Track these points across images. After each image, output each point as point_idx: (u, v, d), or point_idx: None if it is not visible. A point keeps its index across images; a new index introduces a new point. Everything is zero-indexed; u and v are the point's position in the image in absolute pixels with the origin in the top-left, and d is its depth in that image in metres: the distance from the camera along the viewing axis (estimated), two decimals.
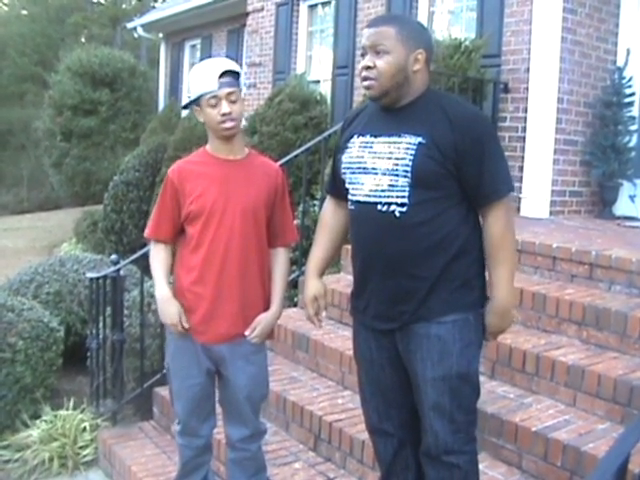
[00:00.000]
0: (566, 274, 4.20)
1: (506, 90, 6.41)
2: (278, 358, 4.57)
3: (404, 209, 2.46)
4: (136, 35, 16.31)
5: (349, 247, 5.23)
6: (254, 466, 3.18)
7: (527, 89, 6.25)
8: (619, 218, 6.18)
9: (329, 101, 8.55)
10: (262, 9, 10.39)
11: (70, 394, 4.99)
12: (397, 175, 2.45)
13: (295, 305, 5.26)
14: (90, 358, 4.78)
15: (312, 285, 2.83)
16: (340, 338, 4.37)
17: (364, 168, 2.55)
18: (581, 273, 4.10)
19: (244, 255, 2.93)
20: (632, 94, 6.27)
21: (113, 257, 4.62)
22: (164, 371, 3.92)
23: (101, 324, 4.63)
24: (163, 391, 4.35)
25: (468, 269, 2.52)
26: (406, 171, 2.43)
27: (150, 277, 3.18)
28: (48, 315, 5.15)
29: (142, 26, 15.08)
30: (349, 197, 2.62)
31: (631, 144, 6.29)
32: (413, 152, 2.42)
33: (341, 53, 8.92)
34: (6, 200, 22.91)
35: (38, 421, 4.56)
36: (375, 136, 2.55)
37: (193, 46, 14.24)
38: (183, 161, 3.06)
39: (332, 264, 2.89)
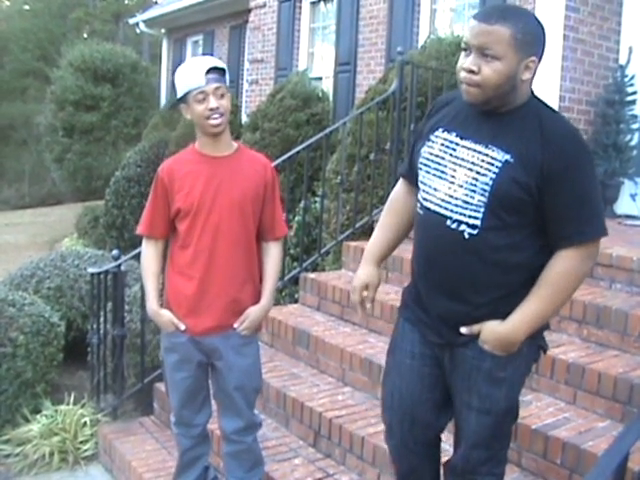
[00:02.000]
0: None
1: None
2: (278, 354, 4.57)
3: (475, 232, 2.21)
4: (138, 31, 16.30)
5: (349, 244, 5.25)
6: (250, 459, 3.20)
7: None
8: (620, 217, 6.17)
9: (331, 98, 8.55)
10: (264, 5, 10.39)
11: (71, 389, 5.00)
12: (474, 191, 2.19)
13: (296, 301, 5.26)
14: (91, 353, 4.78)
15: (366, 272, 2.58)
16: (341, 335, 4.38)
17: (442, 172, 2.29)
18: None
19: (232, 250, 2.97)
20: (634, 92, 6.27)
21: (114, 252, 4.61)
22: None
23: (102, 319, 4.63)
24: (163, 386, 4.35)
25: None
26: (484, 190, 2.17)
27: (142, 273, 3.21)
28: (49, 310, 5.16)
29: (144, 22, 15.07)
30: (419, 197, 2.38)
31: (633, 143, 6.28)
32: (497, 170, 2.16)
33: (343, 50, 8.92)
34: (7, 195, 22.92)
35: (39, 416, 4.56)
36: (462, 137, 2.27)
37: (195, 42, 14.23)
38: (172, 159, 3.11)
39: (390, 253, 2.68)
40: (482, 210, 2.18)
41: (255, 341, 3.17)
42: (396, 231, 2.63)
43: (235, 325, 3.02)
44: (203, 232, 2.94)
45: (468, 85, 2.19)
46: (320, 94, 8.03)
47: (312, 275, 5.12)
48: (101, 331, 4.65)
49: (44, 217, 16.01)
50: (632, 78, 6.27)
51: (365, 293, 2.57)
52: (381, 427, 3.34)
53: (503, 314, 2.24)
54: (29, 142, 24.02)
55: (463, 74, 2.19)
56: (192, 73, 2.89)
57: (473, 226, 2.21)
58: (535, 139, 2.15)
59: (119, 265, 4.50)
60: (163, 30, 15.20)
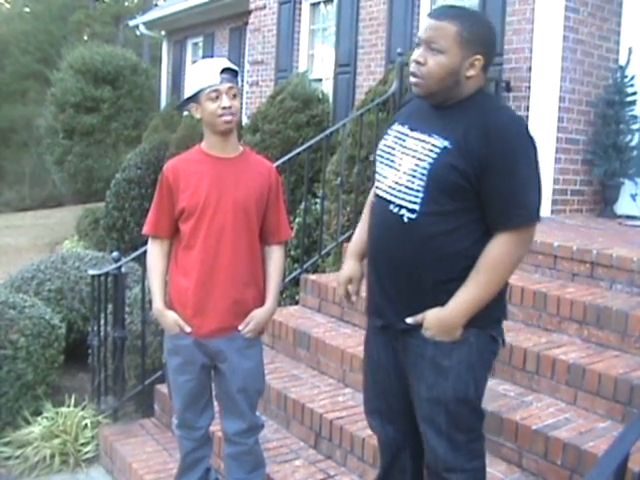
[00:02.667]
0: (567, 273, 4.20)
1: (508, 89, 6.40)
2: (279, 356, 4.57)
3: (413, 216, 2.32)
4: (138, 33, 16.35)
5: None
6: (252, 461, 3.19)
7: (529, 88, 6.24)
8: (620, 217, 6.18)
9: (331, 99, 8.55)
10: (264, 7, 10.38)
11: (71, 391, 5.00)
12: (414, 177, 2.31)
13: (297, 303, 5.26)
14: (91, 355, 4.78)
15: (348, 266, 2.70)
16: (341, 336, 4.38)
17: (391, 161, 2.44)
18: (582, 272, 4.10)
19: (236, 252, 2.97)
20: (634, 93, 6.27)
21: (115, 254, 4.62)
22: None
23: (102, 321, 4.63)
24: (164, 388, 4.35)
25: None
26: (423, 174, 2.28)
27: (147, 274, 3.21)
28: (50, 312, 5.16)
29: (144, 24, 15.08)
30: (375, 185, 2.54)
31: (633, 143, 6.28)
32: (435, 156, 2.27)
33: (343, 51, 8.91)
34: (8, 197, 22.92)
35: (39, 418, 4.56)
36: (411, 129, 2.41)
37: (195, 44, 14.24)
38: (178, 159, 3.10)
39: None
40: (421, 195, 2.29)
41: (259, 343, 3.17)
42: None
43: (240, 327, 3.01)
44: (208, 233, 2.93)
45: (415, 76, 2.37)
46: (320, 95, 8.04)
47: (313, 276, 5.12)
48: (102, 333, 4.65)
49: (45, 219, 16.02)
50: (632, 79, 6.28)
51: (350, 287, 2.70)
52: None
53: (444, 301, 2.32)
54: (29, 144, 24.02)
55: (412, 66, 2.38)
56: (206, 72, 2.91)
57: (412, 210, 2.32)
58: (475, 128, 2.25)
59: (119, 267, 4.51)
60: (163, 32, 15.21)
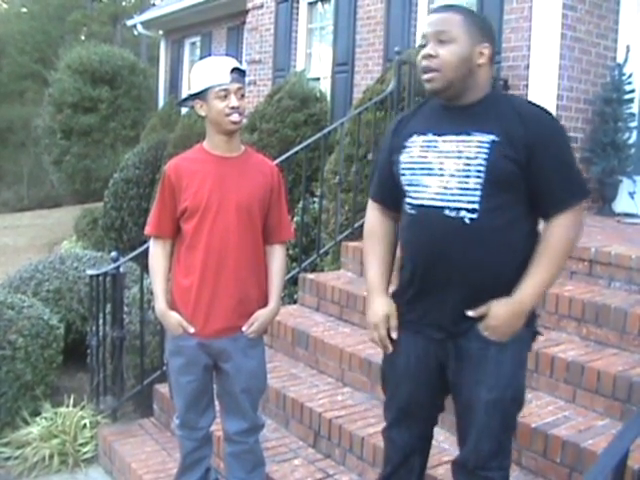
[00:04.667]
0: (566, 270, 4.19)
1: (506, 87, 6.40)
2: (278, 355, 4.57)
3: (474, 215, 2.27)
4: (136, 32, 16.32)
5: (348, 244, 5.25)
6: (252, 460, 3.19)
7: (527, 86, 6.25)
8: (619, 215, 6.18)
9: (329, 98, 8.55)
10: (262, 6, 10.38)
11: (70, 391, 5.00)
12: (468, 176, 2.27)
13: (295, 302, 5.26)
14: (90, 355, 4.78)
15: (381, 303, 2.52)
16: (340, 335, 4.38)
17: (429, 169, 2.35)
18: (581, 270, 4.10)
19: (239, 251, 2.95)
20: (632, 91, 6.27)
21: (113, 254, 4.61)
22: (164, 368, 3.93)
23: (101, 321, 4.62)
24: (163, 388, 4.35)
25: None
26: (479, 171, 2.25)
27: (149, 274, 3.20)
28: (48, 312, 5.16)
29: (142, 23, 15.08)
30: (408, 200, 2.42)
31: (631, 141, 6.28)
32: (487, 151, 2.25)
33: (341, 50, 8.92)
34: (6, 198, 22.92)
35: (38, 418, 4.56)
36: (439, 135, 2.36)
37: (193, 43, 14.24)
38: (180, 157, 3.08)
39: (390, 278, 2.62)
40: (478, 193, 2.27)
41: (261, 343, 3.16)
42: (389, 258, 2.63)
43: (244, 328, 3.01)
44: (211, 232, 2.92)
45: (429, 72, 2.33)
46: (318, 94, 8.03)
47: (311, 275, 5.12)
48: (100, 333, 4.64)
49: (43, 219, 16.01)
50: (630, 76, 6.28)
51: (391, 322, 2.51)
52: (381, 427, 3.35)
53: (504, 295, 2.31)
54: (27, 144, 24.01)
55: (423, 62, 2.34)
56: (216, 70, 2.90)
57: (472, 210, 2.28)
58: (513, 118, 2.28)
59: (118, 267, 4.50)
60: (161, 32, 15.21)
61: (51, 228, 14.20)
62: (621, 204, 6.36)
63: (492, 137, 2.26)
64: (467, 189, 2.28)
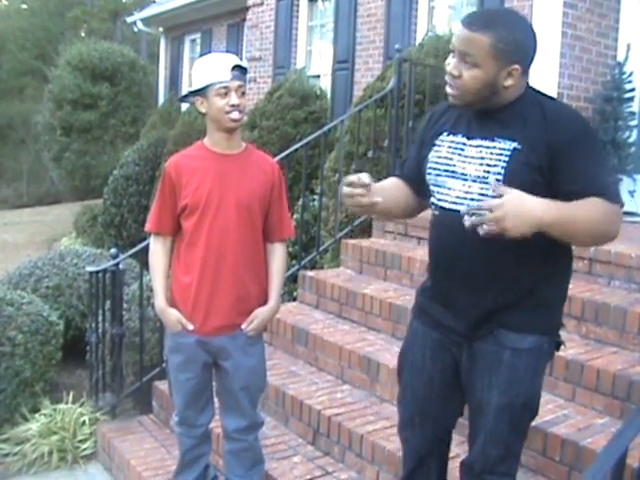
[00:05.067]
0: None
1: None
2: (277, 352, 4.57)
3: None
4: (136, 29, 16.28)
5: (348, 242, 5.25)
6: (251, 458, 3.19)
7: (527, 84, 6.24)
8: None
9: (329, 96, 8.55)
10: (262, 3, 10.37)
11: (69, 388, 4.99)
12: (488, 183, 2.22)
13: (294, 299, 5.26)
14: (89, 352, 4.78)
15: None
16: (339, 332, 4.37)
17: (452, 172, 2.33)
18: (580, 268, 4.09)
19: (239, 249, 2.95)
20: (632, 89, 6.26)
21: (112, 251, 4.61)
22: (163, 365, 3.93)
23: (100, 318, 4.62)
24: (162, 385, 4.35)
25: (552, 294, 2.33)
26: (498, 180, 2.19)
27: (149, 271, 3.19)
28: (47, 309, 5.15)
29: (142, 20, 15.07)
30: (432, 200, 2.42)
31: (631, 139, 6.28)
32: (507, 159, 2.20)
33: (341, 48, 8.91)
34: (6, 194, 22.89)
35: (37, 415, 4.56)
36: (468, 138, 2.32)
37: (193, 40, 14.23)
38: (180, 154, 3.08)
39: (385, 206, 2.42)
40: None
41: (261, 341, 3.16)
42: (394, 189, 2.56)
43: (243, 326, 3.00)
44: (211, 230, 2.92)
45: (450, 88, 2.27)
46: (318, 92, 8.03)
47: (311, 273, 5.11)
48: (100, 330, 4.64)
49: (42, 216, 16.00)
50: (630, 75, 6.27)
51: (356, 190, 2.32)
52: (380, 425, 3.36)
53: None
54: (27, 141, 23.98)
55: (447, 77, 2.27)
56: (217, 67, 2.89)
57: None
58: (538, 123, 2.19)
59: (117, 263, 4.50)
60: (161, 29, 15.20)
61: (50, 225, 14.19)
62: None
63: (514, 144, 2.20)
64: (487, 195, 2.21)
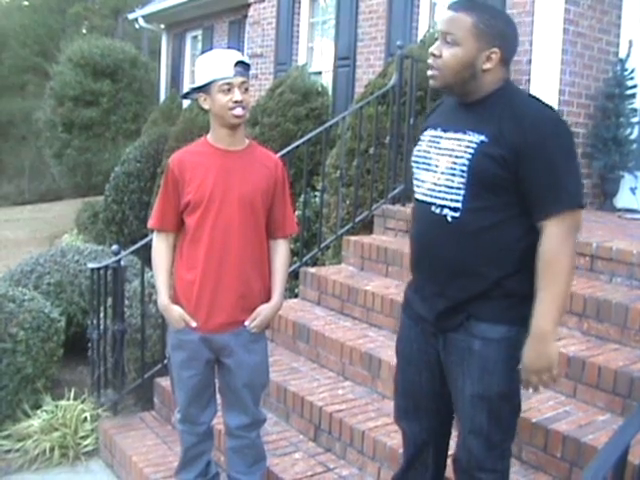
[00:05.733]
0: None
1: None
2: (279, 349, 4.57)
3: (457, 214, 2.29)
4: (137, 26, 16.22)
5: (349, 238, 5.26)
6: (253, 455, 3.19)
7: (529, 81, 6.23)
8: (620, 210, 6.17)
9: (330, 92, 8.53)
10: (263, 0, 10.36)
11: (71, 384, 5.00)
12: (454, 174, 2.28)
13: (296, 296, 5.26)
14: (91, 348, 4.78)
15: None
16: (341, 329, 4.38)
17: (427, 164, 2.41)
18: (582, 265, 4.09)
19: (242, 245, 2.94)
20: (634, 86, 6.26)
21: (114, 247, 4.61)
22: (165, 361, 3.93)
23: (102, 314, 4.63)
24: (164, 381, 4.36)
25: (522, 285, 2.30)
26: (463, 170, 2.26)
27: (151, 268, 3.19)
28: (49, 306, 5.16)
29: (143, 17, 15.04)
30: (414, 193, 2.51)
31: (632, 136, 6.27)
32: (472, 151, 2.25)
33: (342, 44, 8.90)
34: (7, 191, 22.93)
35: (39, 411, 4.57)
36: (445, 131, 2.39)
37: (194, 37, 14.21)
38: (183, 151, 3.07)
39: None
40: (462, 192, 2.27)
41: (264, 338, 3.15)
42: None
43: (246, 323, 3.00)
44: (214, 226, 2.91)
45: (431, 69, 2.35)
46: (319, 88, 8.02)
47: (312, 269, 5.12)
48: (101, 326, 4.65)
49: (44, 213, 16.02)
50: (632, 72, 6.27)
51: None
52: (381, 421, 3.36)
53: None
54: (28, 138, 23.97)
55: (429, 59, 2.35)
56: (220, 63, 2.88)
57: (455, 209, 2.30)
58: (508, 119, 2.23)
59: (119, 260, 4.50)
60: (162, 25, 15.17)
61: (52, 221, 14.20)
62: (622, 200, 6.35)
63: (482, 137, 2.24)
64: (452, 187, 2.29)
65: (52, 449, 4.31)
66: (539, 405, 3.25)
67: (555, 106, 6.04)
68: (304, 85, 7.78)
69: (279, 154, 4.98)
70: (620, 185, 6.33)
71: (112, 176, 9.70)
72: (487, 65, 2.28)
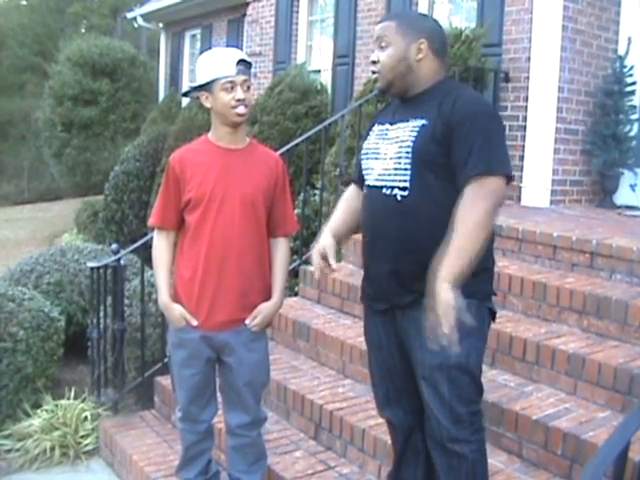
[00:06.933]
0: (567, 263, 4.20)
1: (507, 79, 6.40)
2: (279, 347, 4.57)
3: (405, 193, 2.47)
4: (136, 25, 16.24)
5: (355, 237, 5.26)
6: (254, 453, 3.19)
7: (528, 78, 6.24)
8: (620, 207, 6.17)
9: (329, 90, 8.54)
10: None
11: (71, 383, 5.00)
12: (400, 157, 2.48)
13: (296, 294, 5.26)
14: (91, 348, 4.78)
15: (323, 238, 2.79)
16: (341, 327, 4.38)
17: (377, 154, 2.61)
18: (582, 262, 4.10)
19: (243, 243, 2.94)
20: (633, 83, 6.26)
21: (114, 246, 4.61)
22: (165, 360, 3.94)
23: (102, 313, 4.62)
24: (164, 380, 4.36)
25: None
26: (408, 152, 2.46)
27: (151, 267, 3.19)
28: (49, 305, 5.16)
29: (142, 16, 15.01)
30: (365, 182, 2.69)
31: (632, 133, 6.27)
32: (415, 134, 2.46)
33: (341, 42, 8.90)
34: (7, 191, 22.89)
35: (39, 410, 4.57)
36: (391, 124, 2.61)
37: (193, 36, 14.20)
38: (184, 149, 3.07)
39: (348, 236, 3.01)
40: (409, 172, 2.47)
41: (264, 336, 3.15)
42: (350, 215, 2.86)
43: (247, 321, 3.00)
44: (215, 225, 2.91)
45: (374, 74, 2.66)
46: (319, 87, 8.02)
47: (312, 268, 5.10)
48: (101, 325, 4.65)
49: (43, 212, 16.01)
50: (631, 69, 6.26)
51: (322, 261, 2.78)
52: (381, 419, 3.35)
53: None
54: (28, 137, 23.96)
55: (371, 68, 2.67)
56: (222, 62, 2.89)
57: (404, 188, 2.49)
58: (447, 103, 2.45)
59: (119, 259, 4.50)
60: (161, 24, 15.16)
61: (52, 221, 14.19)
62: (622, 196, 6.36)
63: (423, 121, 2.46)
64: (399, 169, 2.49)
65: (53, 448, 4.31)
66: (539, 402, 3.26)
67: (554, 103, 6.05)
68: (303, 83, 7.78)
69: (279, 152, 4.99)
70: (620, 182, 6.34)
71: (111, 175, 9.69)
72: (419, 55, 2.55)
